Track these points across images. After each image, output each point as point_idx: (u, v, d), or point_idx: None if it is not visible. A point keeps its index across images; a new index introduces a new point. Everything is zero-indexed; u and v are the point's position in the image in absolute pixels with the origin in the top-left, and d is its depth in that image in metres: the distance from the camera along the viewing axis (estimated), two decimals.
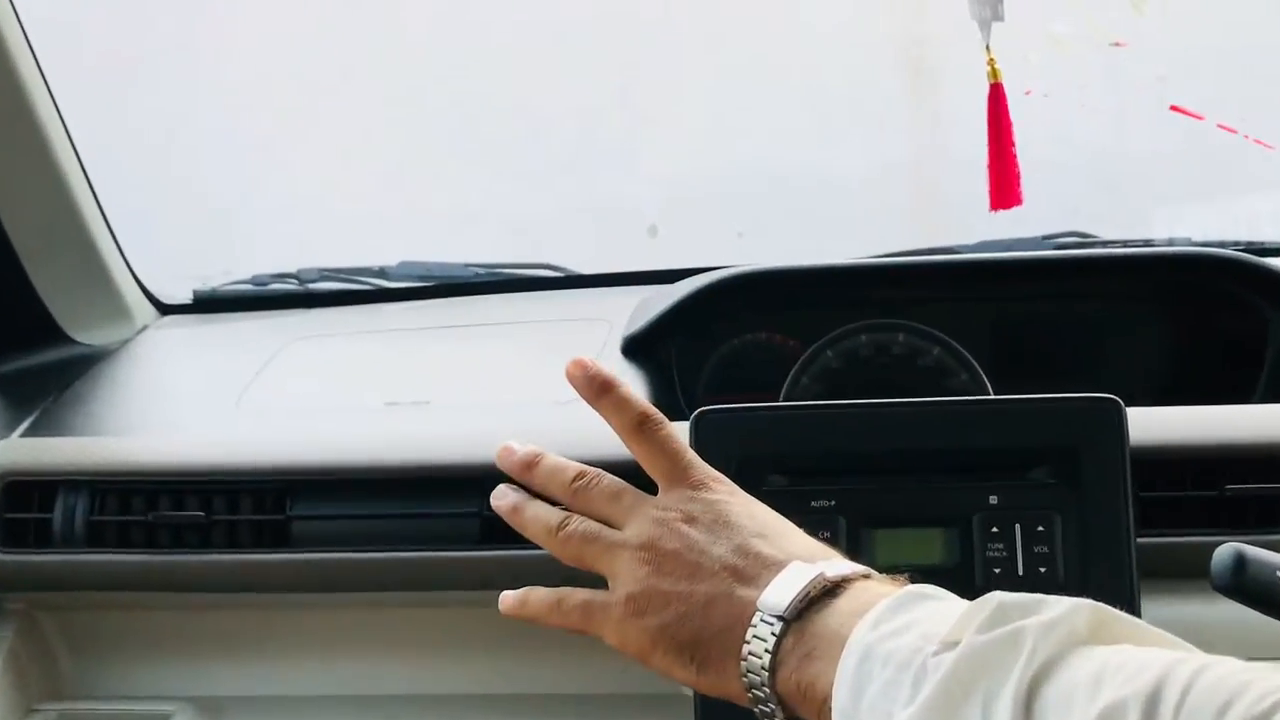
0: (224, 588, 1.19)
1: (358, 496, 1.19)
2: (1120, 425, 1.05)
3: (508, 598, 0.78)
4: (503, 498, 0.79)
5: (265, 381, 1.41)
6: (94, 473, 1.21)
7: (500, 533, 1.11)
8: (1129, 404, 1.09)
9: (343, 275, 1.62)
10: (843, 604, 0.65)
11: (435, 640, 1.21)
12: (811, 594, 0.65)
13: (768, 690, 0.65)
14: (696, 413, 1.10)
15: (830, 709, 0.62)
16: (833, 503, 1.06)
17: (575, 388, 0.78)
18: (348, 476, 1.19)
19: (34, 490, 1.18)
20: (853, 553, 1.01)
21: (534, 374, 1.36)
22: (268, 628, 1.24)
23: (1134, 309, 1.48)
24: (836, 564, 0.69)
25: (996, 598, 0.61)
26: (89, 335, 1.51)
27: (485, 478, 1.06)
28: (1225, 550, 0.88)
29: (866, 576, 0.68)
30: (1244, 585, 0.88)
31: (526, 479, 0.77)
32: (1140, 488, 1.07)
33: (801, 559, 0.69)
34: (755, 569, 0.69)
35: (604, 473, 0.76)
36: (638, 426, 0.75)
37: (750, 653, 0.65)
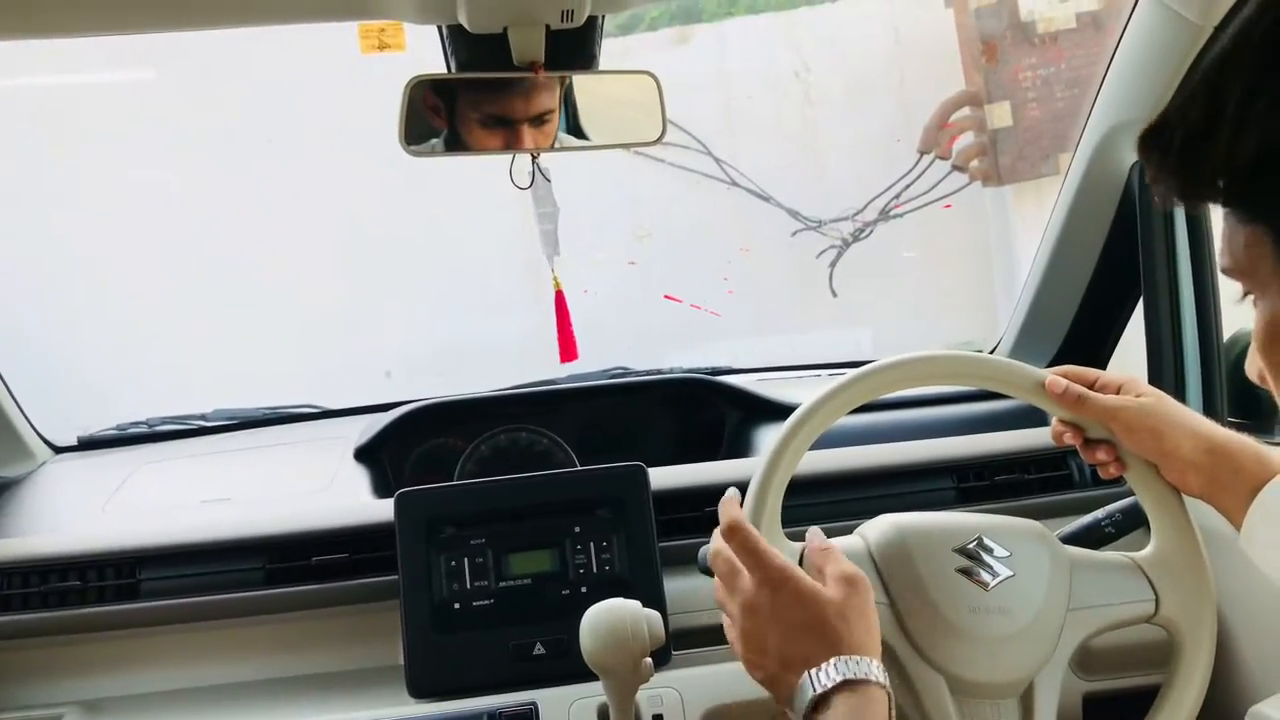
0: (95, 627, 1.34)
1: (183, 561, 1.37)
2: (645, 479, 1.36)
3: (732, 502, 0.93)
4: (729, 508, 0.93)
5: (122, 493, 1.55)
6: (3, 563, 1.35)
7: (276, 579, 1.35)
8: (651, 465, 1.38)
9: (176, 420, 1.81)
10: (840, 707, 0.79)
11: (238, 647, 1.38)
12: (827, 689, 0.80)
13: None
14: (398, 493, 1.33)
15: None
16: (484, 540, 1.33)
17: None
18: (177, 550, 1.36)
19: None
20: (499, 570, 1.28)
21: (299, 475, 1.59)
22: (129, 650, 1.36)
23: (655, 409, 1.77)
24: (854, 670, 0.80)
25: None
26: (3, 470, 1.63)
27: (265, 544, 1.36)
28: (704, 549, 1.07)
29: (868, 683, 0.81)
30: (708, 569, 1.07)
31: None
32: (659, 513, 1.36)
33: (849, 651, 0.82)
34: (810, 659, 0.83)
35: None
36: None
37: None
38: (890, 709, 0.81)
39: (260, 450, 1.70)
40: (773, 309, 3.78)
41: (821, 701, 0.80)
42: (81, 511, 1.52)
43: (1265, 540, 0.92)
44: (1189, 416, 1.00)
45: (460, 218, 3.30)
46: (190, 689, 1.35)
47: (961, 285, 4.53)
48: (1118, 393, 1.02)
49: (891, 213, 4.82)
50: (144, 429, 1.80)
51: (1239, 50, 0.61)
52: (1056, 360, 1.69)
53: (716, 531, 0.92)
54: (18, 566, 1.34)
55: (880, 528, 1.03)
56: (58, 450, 1.74)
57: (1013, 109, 4.65)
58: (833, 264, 4.87)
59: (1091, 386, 1.02)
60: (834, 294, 4.72)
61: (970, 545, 1.03)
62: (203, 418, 1.82)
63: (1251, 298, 0.69)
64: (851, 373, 1.07)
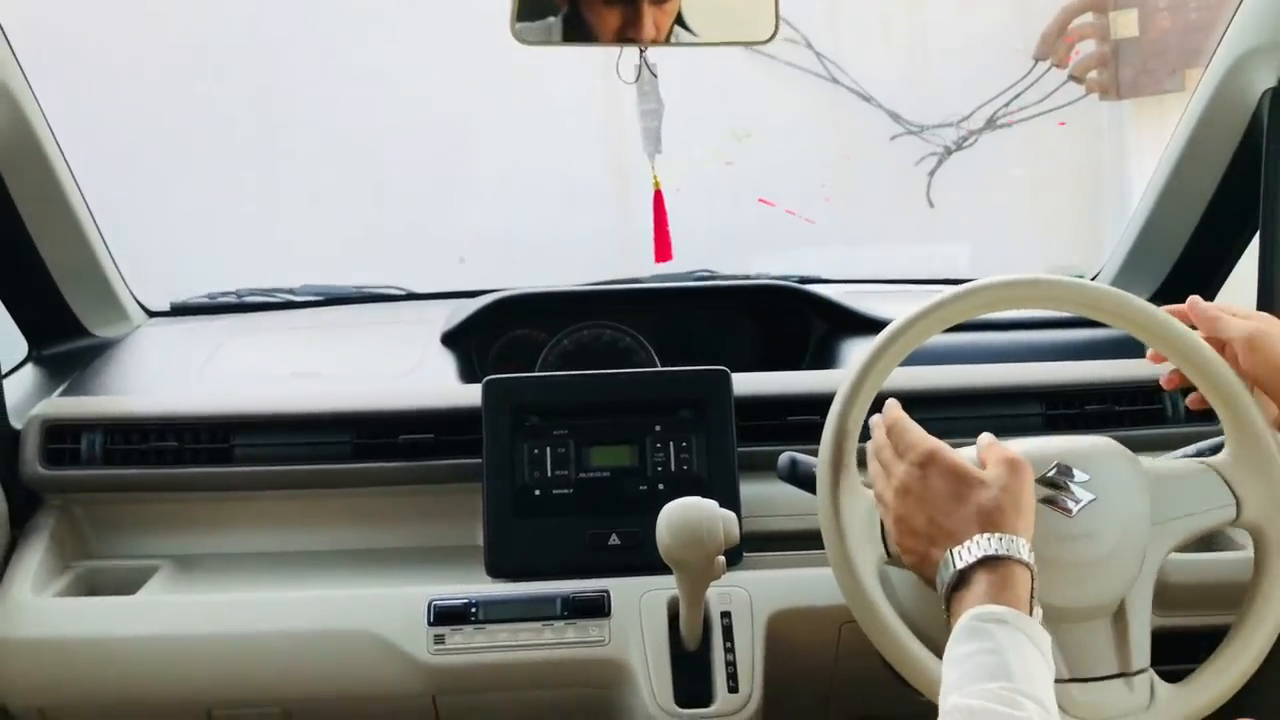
0: (191, 487, 1.44)
1: (275, 430, 1.45)
2: (728, 384, 1.40)
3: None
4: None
5: (216, 360, 1.62)
6: (106, 419, 1.44)
7: (363, 454, 1.43)
8: (734, 370, 1.43)
9: (264, 293, 1.89)
10: (978, 587, 0.86)
11: (324, 517, 1.47)
12: (971, 564, 0.87)
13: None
14: (485, 379, 1.41)
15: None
16: (567, 431, 1.40)
17: None
18: (270, 419, 1.45)
19: (66, 430, 1.43)
20: (580, 461, 1.36)
21: (386, 355, 1.65)
22: (220, 512, 1.47)
23: (738, 315, 1.80)
24: (994, 547, 0.87)
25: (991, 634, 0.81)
26: (102, 331, 1.70)
27: (354, 419, 1.43)
28: (784, 456, 1.24)
29: (1011, 562, 0.87)
30: (795, 477, 1.23)
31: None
32: (740, 419, 1.41)
33: (987, 532, 0.89)
34: (957, 534, 0.90)
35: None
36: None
37: (940, 582, 0.91)
38: (1033, 590, 0.86)
39: (347, 328, 1.79)
40: (866, 216, 3.76)
41: (963, 578, 0.86)
42: (177, 376, 1.60)
43: None
44: None
45: (546, 108, 3.32)
46: (277, 553, 1.46)
47: (1068, 205, 4.44)
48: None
49: (999, 122, 4.71)
50: (234, 299, 1.89)
51: None
52: (1161, 290, 1.70)
53: (876, 426, 1.03)
54: (120, 424, 1.44)
55: None
56: (151, 314, 1.84)
57: (1140, 17, 4.47)
58: (932, 172, 4.79)
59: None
60: (931, 204, 4.66)
61: (1050, 474, 1.07)
62: (290, 292, 1.91)
63: None
64: (951, 290, 1.11)
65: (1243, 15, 1.40)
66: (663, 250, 1.42)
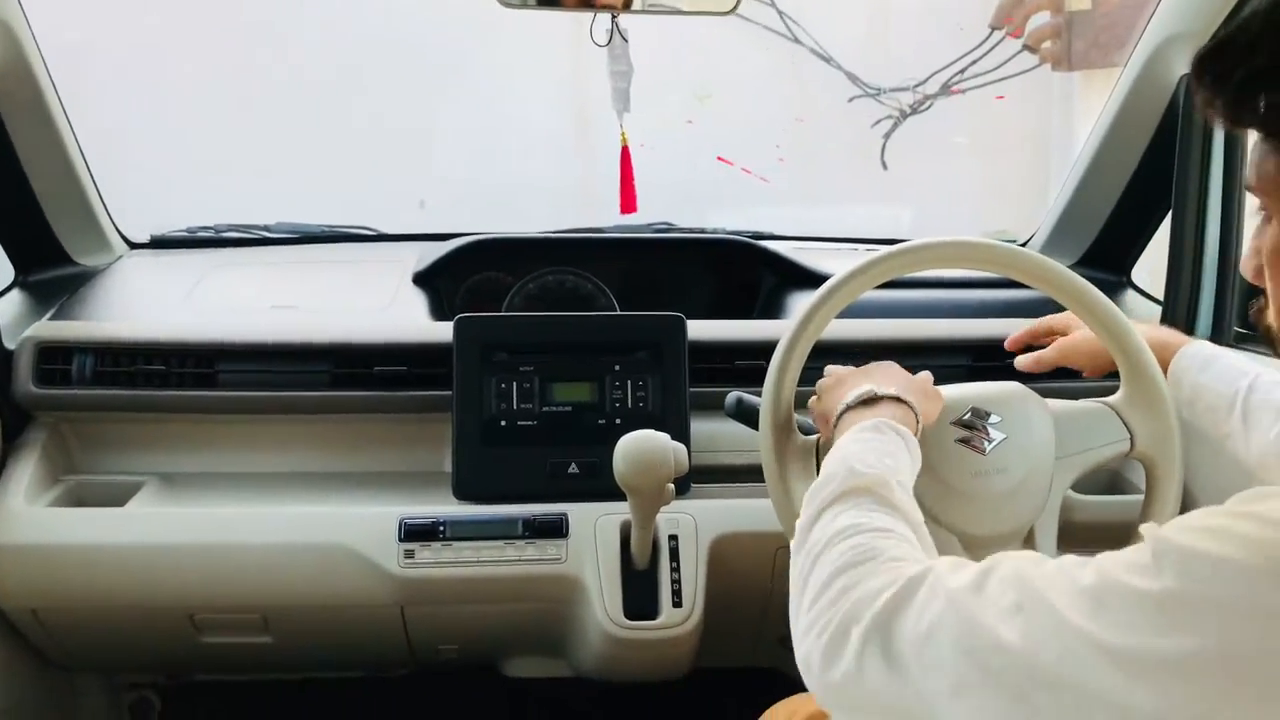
0: (176, 409, 1.51)
1: (257, 359, 1.53)
2: (683, 329, 1.51)
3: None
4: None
5: (199, 291, 1.69)
6: (97, 342, 1.51)
7: (340, 383, 1.52)
8: (690, 317, 1.54)
9: (242, 228, 1.96)
10: (851, 416, 1.06)
11: (302, 441, 1.56)
12: (857, 400, 1.07)
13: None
14: (457, 318, 1.50)
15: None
16: (532, 368, 1.50)
17: None
18: (252, 348, 1.52)
19: (58, 352, 1.49)
20: (543, 396, 1.47)
21: (359, 292, 1.73)
22: (204, 434, 1.55)
23: (694, 266, 1.91)
24: (884, 388, 1.08)
25: (848, 460, 0.95)
26: (86, 260, 1.76)
27: (332, 350, 1.52)
28: (731, 395, 1.33)
29: (889, 400, 1.07)
30: (740, 413, 1.33)
31: None
32: (693, 361, 1.52)
33: (873, 383, 1.09)
34: (853, 386, 1.10)
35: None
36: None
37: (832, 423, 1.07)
38: (915, 421, 1.08)
39: (321, 265, 1.87)
40: (821, 175, 3.89)
41: (853, 409, 1.07)
42: (162, 304, 1.68)
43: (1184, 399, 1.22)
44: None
45: (511, 60, 3.40)
46: (257, 473, 1.56)
47: (1017, 170, 4.60)
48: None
49: (954, 87, 4.85)
50: (211, 234, 1.97)
51: None
52: (1085, 257, 1.84)
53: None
54: (110, 347, 1.53)
55: None
56: (133, 246, 1.91)
57: None
58: (887, 135, 4.91)
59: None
60: (885, 166, 4.79)
61: (966, 417, 1.20)
62: (266, 228, 1.99)
63: (1266, 214, 0.76)
64: (884, 249, 1.23)
65: (1167, 1, 1.52)
66: (628, 203, 1.51)
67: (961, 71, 4.80)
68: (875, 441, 0.98)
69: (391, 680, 1.82)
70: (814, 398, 1.17)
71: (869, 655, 0.72)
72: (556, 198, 2.77)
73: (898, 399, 1.06)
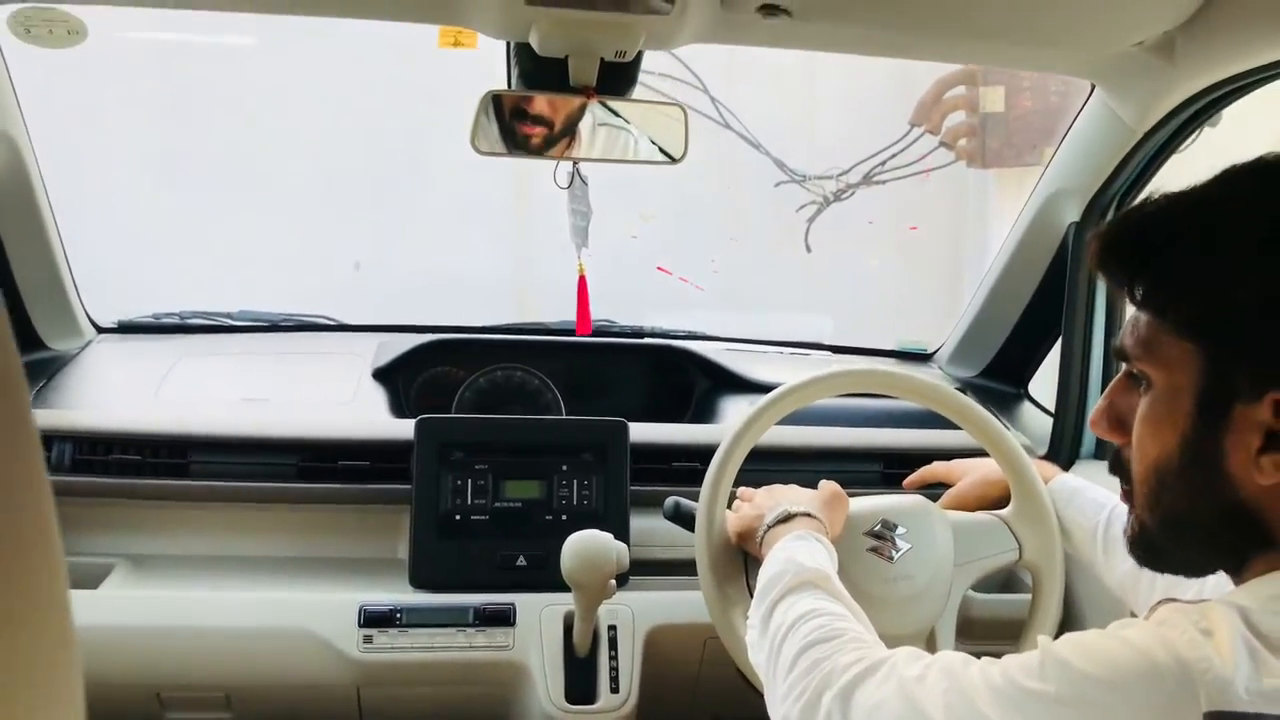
0: (150, 497, 1.60)
1: (228, 450, 1.63)
2: (626, 434, 1.66)
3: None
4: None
5: (171, 381, 1.78)
6: (75, 431, 1.61)
7: (307, 475, 1.63)
8: (626, 413, 1.68)
9: (205, 315, 2.06)
10: (781, 528, 1.23)
11: (268, 527, 1.66)
12: (779, 518, 1.24)
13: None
14: (418, 419, 1.63)
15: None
16: (486, 466, 1.63)
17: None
18: (224, 440, 1.63)
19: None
20: (496, 492, 1.61)
21: (323, 384, 1.85)
22: (175, 518, 1.63)
23: (634, 367, 2.08)
24: (799, 507, 1.26)
25: (795, 557, 1.13)
26: (57, 344, 1.84)
27: (300, 444, 1.64)
28: (669, 500, 1.48)
29: (806, 516, 1.25)
30: (678, 517, 1.47)
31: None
32: (633, 462, 1.66)
33: (790, 504, 1.26)
34: (771, 507, 1.27)
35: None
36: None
37: (757, 541, 1.25)
38: (826, 531, 1.25)
39: (285, 356, 1.98)
40: (751, 283, 4.13)
41: (775, 526, 1.25)
42: (136, 393, 1.78)
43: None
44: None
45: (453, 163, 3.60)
46: (224, 556, 1.67)
47: (932, 257, 4.88)
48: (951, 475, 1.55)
49: (875, 178, 5.12)
50: (176, 320, 2.08)
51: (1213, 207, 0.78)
52: (987, 369, 2.04)
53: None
54: (88, 436, 1.63)
55: None
56: (100, 330, 2.01)
57: (1006, 95, 4.92)
58: (811, 219, 5.15)
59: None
60: (808, 249, 5.03)
61: (876, 528, 1.38)
62: (229, 315, 2.11)
63: (1136, 379, 0.84)
64: (809, 375, 1.40)
65: (1059, 158, 1.75)
66: (583, 324, 1.66)
67: (883, 163, 5.08)
68: (806, 547, 1.15)
69: None
70: (731, 518, 1.35)
71: (835, 716, 0.88)
72: (491, 268, 2.96)
73: (809, 514, 1.25)
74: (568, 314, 2.03)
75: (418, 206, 3.45)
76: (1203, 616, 0.72)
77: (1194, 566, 0.88)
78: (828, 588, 1.08)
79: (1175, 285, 0.78)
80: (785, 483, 1.54)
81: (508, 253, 3.45)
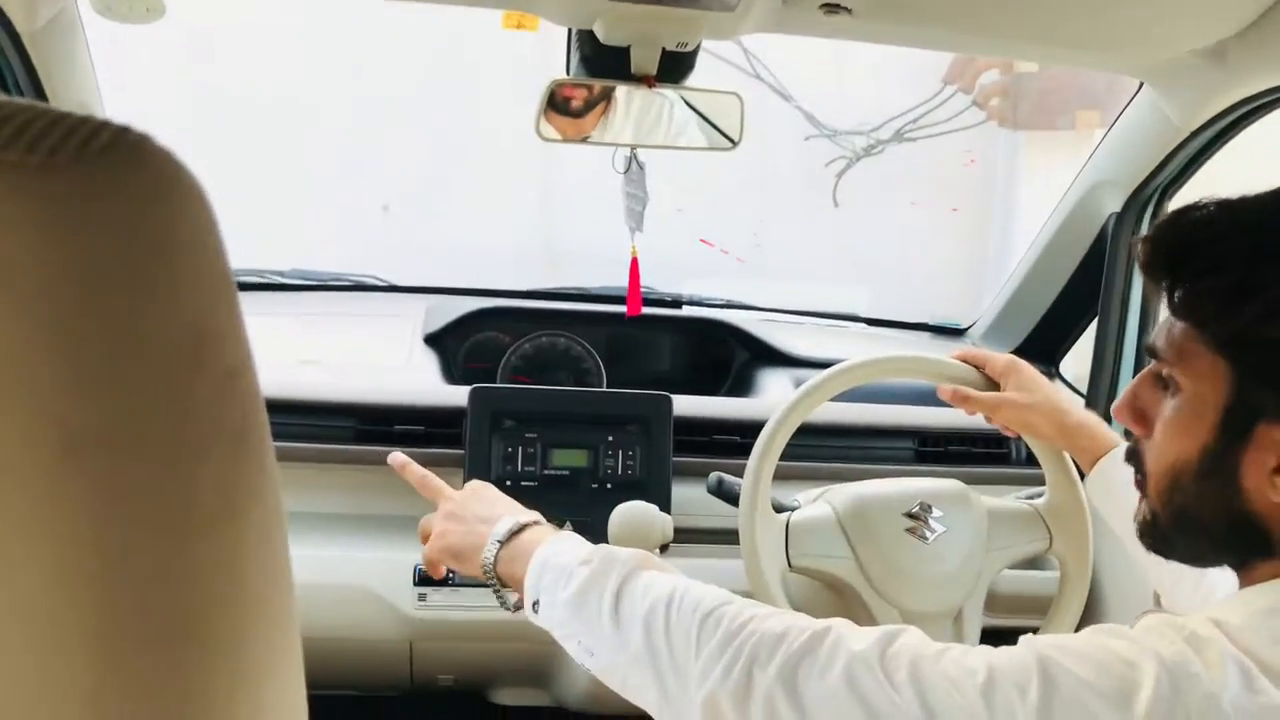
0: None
1: (288, 412, 1.69)
2: (670, 406, 1.71)
3: (396, 457, 1.26)
4: (396, 459, 1.28)
5: None
6: None
7: (362, 438, 1.69)
8: (666, 382, 1.74)
9: (259, 273, 2.13)
10: (528, 535, 1.04)
11: (326, 487, 1.71)
12: (514, 529, 1.05)
13: (494, 575, 1.05)
14: (472, 388, 1.68)
15: (525, 588, 1.00)
16: (536, 435, 1.69)
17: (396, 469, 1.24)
18: (284, 403, 1.68)
19: None
20: (544, 460, 1.68)
21: (378, 349, 1.92)
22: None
23: (674, 337, 2.13)
24: (525, 517, 1.07)
25: (603, 546, 0.98)
26: None
27: (356, 409, 1.70)
28: (713, 475, 1.51)
29: (538, 524, 1.07)
30: (721, 493, 1.50)
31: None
32: (677, 434, 1.71)
33: (513, 514, 1.08)
34: (491, 519, 1.08)
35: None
36: (419, 482, 1.23)
37: (484, 557, 1.05)
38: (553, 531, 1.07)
39: (338, 318, 2.05)
40: (788, 256, 4.17)
41: (508, 539, 1.06)
42: None
43: (1100, 496, 1.29)
44: (1049, 400, 1.33)
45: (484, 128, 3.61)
46: (288, 513, 1.75)
47: (961, 219, 4.89)
48: (999, 378, 1.37)
49: (906, 135, 5.12)
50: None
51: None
52: (1020, 348, 2.10)
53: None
54: None
55: (844, 497, 1.43)
56: None
57: None
58: (840, 174, 5.17)
59: (983, 366, 1.39)
60: (836, 203, 5.05)
61: (915, 510, 1.44)
62: (281, 274, 2.18)
63: (1165, 380, 0.84)
64: (857, 359, 1.44)
65: (1103, 149, 1.79)
66: (634, 306, 1.71)
67: (914, 120, 5.07)
68: (587, 544, 1.02)
69: (384, 700, 2.02)
70: (434, 547, 1.15)
71: (779, 704, 0.78)
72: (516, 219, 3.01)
73: (538, 523, 1.10)
74: (600, 278, 2.09)
75: (450, 162, 3.49)
76: (1191, 631, 0.72)
77: (1200, 559, 0.89)
78: (671, 570, 0.96)
79: (1216, 300, 0.77)
80: (829, 460, 1.60)
81: (535, 214, 3.50)
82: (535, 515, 1.10)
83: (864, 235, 4.71)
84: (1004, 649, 0.76)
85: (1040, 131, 4.86)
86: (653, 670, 0.87)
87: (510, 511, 1.11)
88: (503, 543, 1.06)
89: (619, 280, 2.20)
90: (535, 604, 1.00)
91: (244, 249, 2.21)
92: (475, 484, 1.19)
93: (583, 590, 0.94)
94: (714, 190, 3.71)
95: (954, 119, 5.06)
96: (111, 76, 1.70)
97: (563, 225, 3.49)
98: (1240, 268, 0.76)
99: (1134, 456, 0.89)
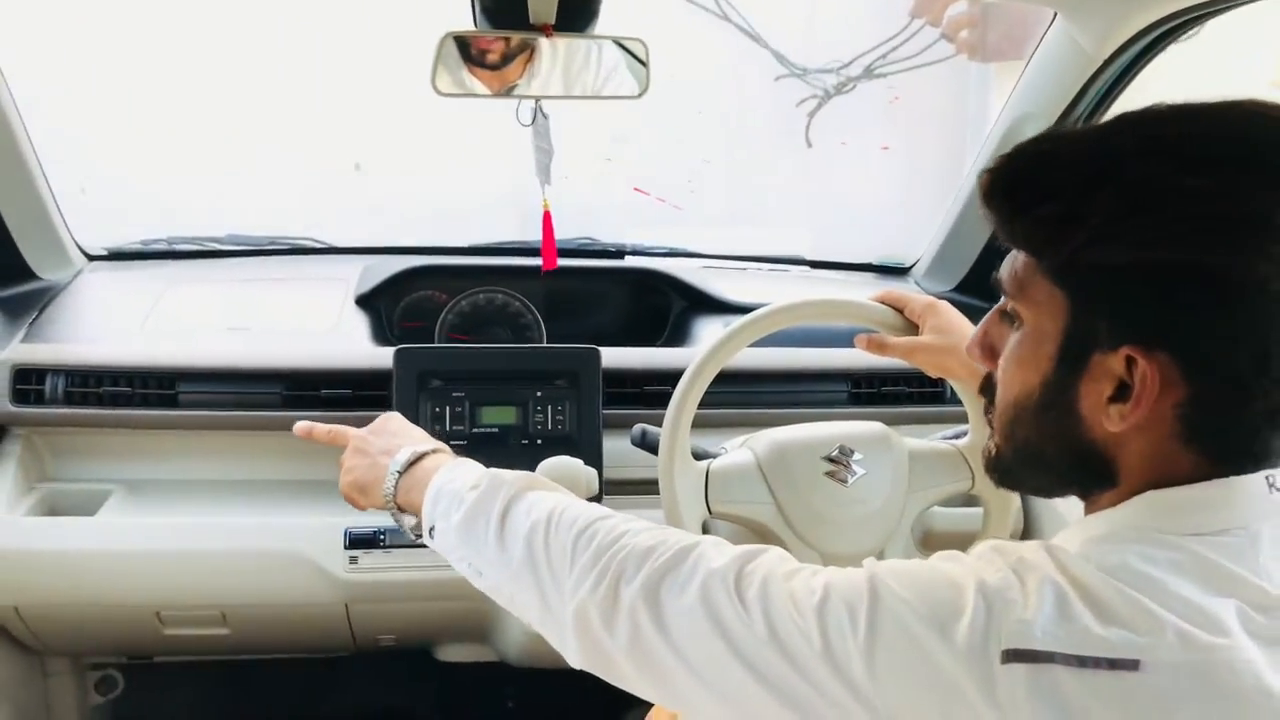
0: (141, 426, 1.67)
1: (214, 380, 1.70)
2: (598, 360, 1.70)
3: (301, 425, 1.27)
4: (300, 427, 1.28)
5: (158, 312, 1.83)
6: (68, 365, 1.67)
7: (290, 403, 1.69)
8: (604, 334, 1.75)
9: (193, 241, 2.11)
10: (427, 463, 1.08)
11: (255, 453, 1.73)
12: (412, 459, 1.09)
13: (393, 504, 1.09)
14: (396, 349, 1.68)
15: (423, 514, 1.05)
16: (463, 393, 1.69)
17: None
18: (210, 371, 1.69)
19: (32, 373, 1.65)
20: (473, 419, 1.66)
21: (308, 313, 1.90)
22: (167, 445, 1.71)
23: (612, 288, 2.11)
24: (424, 445, 1.11)
25: (491, 470, 1.02)
26: (47, 274, 1.89)
27: (284, 374, 1.70)
28: (636, 427, 1.51)
29: (438, 451, 1.11)
30: (644, 444, 1.50)
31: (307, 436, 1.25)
32: (607, 385, 1.71)
33: (413, 443, 1.12)
34: (392, 450, 1.12)
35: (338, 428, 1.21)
36: (329, 439, 1.23)
37: (385, 488, 1.09)
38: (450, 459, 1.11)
39: (271, 282, 2.03)
40: (746, 152, 4.11)
41: (406, 469, 1.11)
42: (124, 324, 1.84)
43: None
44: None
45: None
46: (215, 481, 1.76)
47: (934, 152, 4.86)
48: (918, 320, 1.37)
49: (876, 71, 5.06)
50: (164, 246, 2.13)
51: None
52: (961, 285, 2.09)
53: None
54: (80, 370, 1.71)
55: (764, 442, 1.42)
56: (90, 258, 2.06)
57: None
58: (811, 114, 5.12)
59: (903, 308, 1.38)
60: (809, 144, 5.01)
61: (834, 454, 1.43)
62: (217, 240, 2.16)
63: (1010, 315, 0.85)
64: (774, 306, 1.41)
65: (1023, 83, 1.77)
66: (549, 260, 1.69)
67: (883, 56, 5.01)
68: (480, 468, 1.07)
69: (335, 660, 2.04)
70: (343, 481, 1.18)
71: (641, 617, 0.82)
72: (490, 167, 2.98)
73: (437, 450, 1.14)
74: (569, 229, 2.07)
75: (419, 118, 3.44)
76: (1019, 558, 0.74)
77: (1046, 491, 0.89)
78: (558, 489, 1.00)
79: (1051, 232, 0.78)
80: (762, 406, 1.59)
81: (508, 169, 3.45)
82: (436, 443, 1.13)
83: (837, 176, 4.67)
84: (848, 569, 0.79)
85: (1011, 62, 4.79)
86: (535, 584, 0.91)
87: (410, 441, 1.13)
88: (401, 473, 1.09)
89: (588, 232, 2.19)
90: (431, 529, 1.04)
91: (213, 217, 2.18)
92: (383, 416, 1.21)
93: (471, 513, 0.99)
94: (667, 135, 3.65)
95: (923, 53, 4.99)
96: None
97: (534, 181, 3.47)
98: (1070, 196, 0.76)
99: (988, 390, 0.90)
